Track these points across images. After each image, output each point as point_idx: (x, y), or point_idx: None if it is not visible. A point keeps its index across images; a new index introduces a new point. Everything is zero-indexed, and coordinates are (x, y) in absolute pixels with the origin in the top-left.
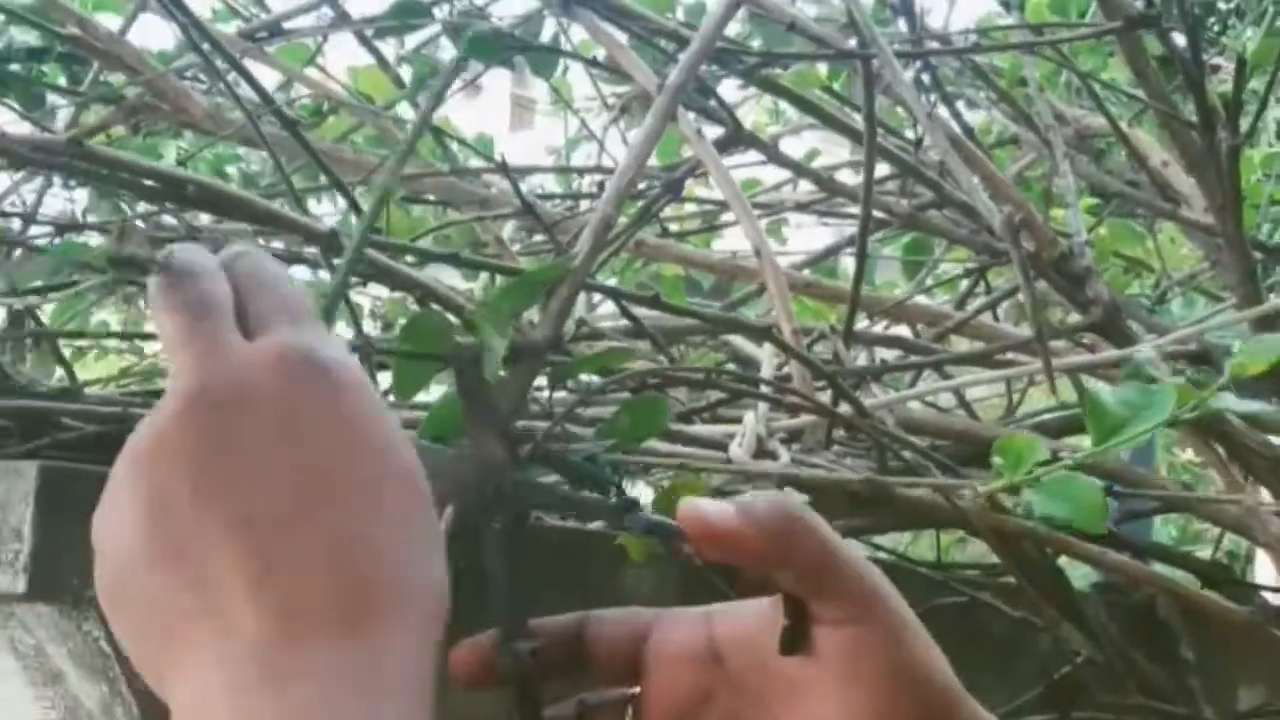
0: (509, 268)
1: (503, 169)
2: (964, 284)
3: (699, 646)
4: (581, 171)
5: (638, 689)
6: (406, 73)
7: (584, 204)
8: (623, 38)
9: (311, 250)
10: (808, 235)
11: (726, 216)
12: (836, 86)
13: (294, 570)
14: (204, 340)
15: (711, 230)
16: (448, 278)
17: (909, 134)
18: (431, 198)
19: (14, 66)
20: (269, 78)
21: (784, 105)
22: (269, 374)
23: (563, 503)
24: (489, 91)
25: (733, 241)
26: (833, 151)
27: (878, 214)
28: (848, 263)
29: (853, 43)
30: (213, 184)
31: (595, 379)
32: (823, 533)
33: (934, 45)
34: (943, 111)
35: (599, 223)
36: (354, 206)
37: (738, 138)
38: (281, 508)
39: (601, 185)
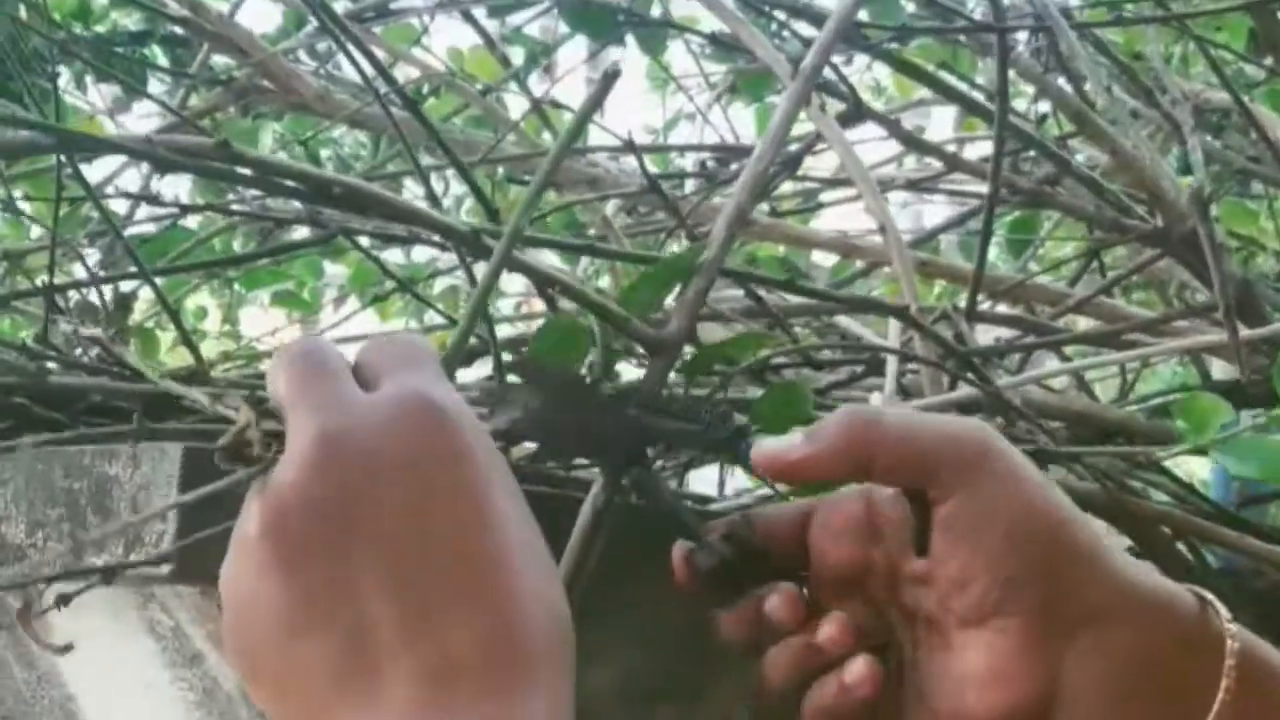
0: (639, 255)
1: (631, 147)
2: (1075, 263)
3: (858, 522)
4: (686, 150)
5: (806, 574)
6: (511, 53)
7: (688, 183)
8: (736, 13)
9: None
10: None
11: (826, 195)
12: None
13: (445, 630)
14: (320, 393)
15: (816, 209)
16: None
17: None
18: (527, 177)
19: (119, 49)
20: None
21: (885, 80)
22: (391, 424)
23: (679, 435)
24: (564, 72)
25: (828, 221)
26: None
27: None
28: (945, 241)
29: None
30: (357, 184)
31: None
32: (898, 423)
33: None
34: (1065, 85)
35: (734, 211)
36: (476, 191)
37: (859, 113)
38: (423, 563)
39: (703, 166)
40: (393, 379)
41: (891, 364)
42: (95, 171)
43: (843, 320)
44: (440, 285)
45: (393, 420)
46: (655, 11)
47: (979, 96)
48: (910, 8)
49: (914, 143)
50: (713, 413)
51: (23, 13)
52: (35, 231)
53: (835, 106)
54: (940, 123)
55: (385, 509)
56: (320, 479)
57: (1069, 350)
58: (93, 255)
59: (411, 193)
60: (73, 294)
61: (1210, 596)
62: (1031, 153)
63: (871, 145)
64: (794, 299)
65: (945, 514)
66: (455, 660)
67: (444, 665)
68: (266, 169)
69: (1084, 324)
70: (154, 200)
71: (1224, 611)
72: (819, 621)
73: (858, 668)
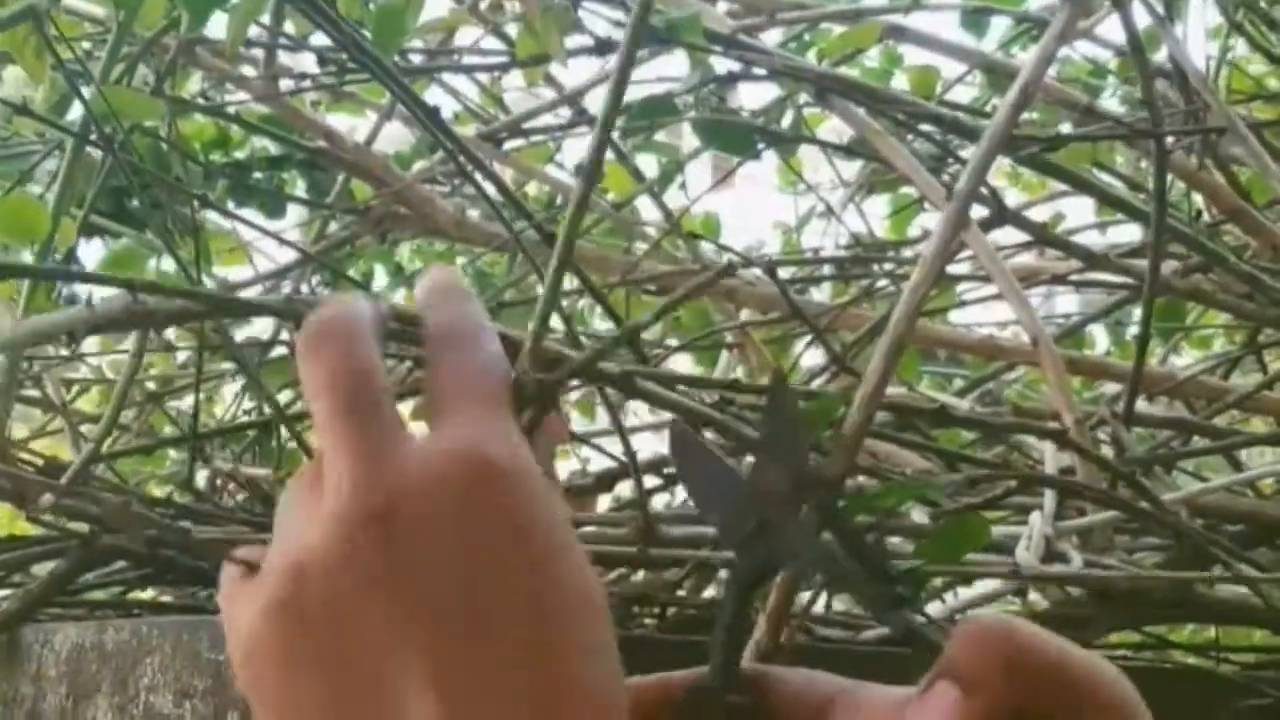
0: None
1: (770, 271)
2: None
3: None
4: (823, 262)
5: None
6: (643, 165)
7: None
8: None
9: None
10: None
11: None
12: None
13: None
14: (362, 440)
15: (959, 306)
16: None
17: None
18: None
19: (257, 175)
20: (505, 176)
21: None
22: (445, 482)
23: (835, 568)
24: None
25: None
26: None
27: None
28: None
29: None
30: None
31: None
32: (1045, 645)
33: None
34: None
35: (891, 344)
36: (612, 315)
37: (1001, 218)
38: (472, 650)
39: (841, 266)
40: (452, 422)
41: (1049, 495)
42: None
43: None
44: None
45: (447, 484)
46: (786, 122)
47: (1122, 188)
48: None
49: (1059, 245)
50: (883, 562)
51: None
52: (180, 357)
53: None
54: (1078, 205)
55: (432, 589)
56: (353, 548)
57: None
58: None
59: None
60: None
61: None
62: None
63: (1005, 231)
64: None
65: None
66: None
67: None
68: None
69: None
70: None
71: None
72: None
73: None
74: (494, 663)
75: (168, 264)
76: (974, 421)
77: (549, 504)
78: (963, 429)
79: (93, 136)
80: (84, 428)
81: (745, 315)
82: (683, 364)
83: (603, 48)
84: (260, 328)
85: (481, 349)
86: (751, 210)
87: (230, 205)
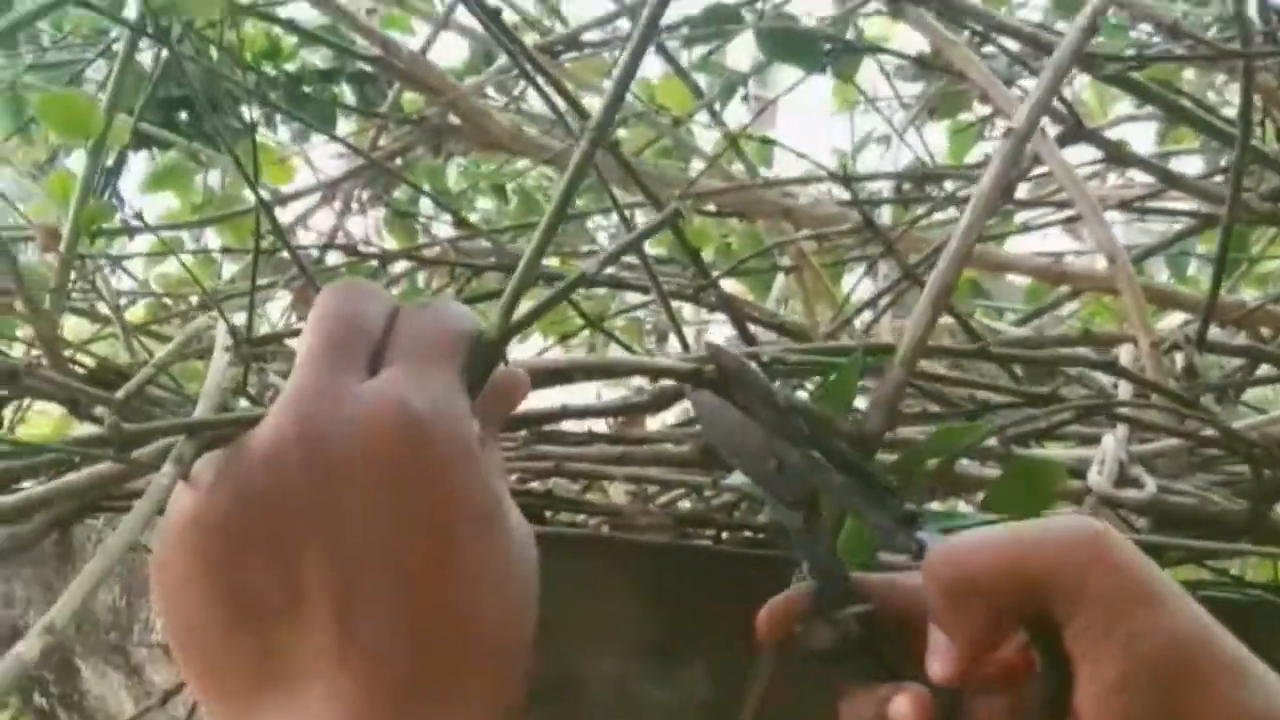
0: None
1: (839, 178)
2: None
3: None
4: (884, 178)
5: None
6: (703, 82)
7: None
8: (947, 33)
9: None
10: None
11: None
12: None
13: (376, 641)
14: (317, 371)
15: (1022, 231)
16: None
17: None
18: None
19: (307, 88)
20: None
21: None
22: (363, 423)
23: (847, 498)
24: (761, 103)
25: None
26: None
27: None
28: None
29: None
30: (603, 363)
31: None
32: (991, 551)
33: None
34: None
35: (938, 290)
36: (677, 233)
37: (1078, 133)
38: (369, 579)
39: (899, 190)
40: (395, 368)
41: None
42: (288, 213)
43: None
44: (622, 320)
45: (365, 425)
46: (850, 34)
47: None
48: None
49: (1137, 163)
50: (890, 490)
51: (213, 53)
52: (226, 272)
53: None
54: (1136, 137)
55: (339, 513)
56: (283, 460)
57: None
58: (284, 298)
59: (596, 223)
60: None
61: None
62: (1253, 166)
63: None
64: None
65: (1067, 636)
66: (387, 689)
67: (373, 693)
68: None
69: None
70: (350, 250)
71: None
72: None
73: None
74: (390, 592)
75: (214, 178)
76: (1026, 359)
77: (464, 458)
78: (1022, 351)
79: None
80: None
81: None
82: (735, 290)
83: None
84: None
85: (442, 311)
86: (800, 142)
87: (281, 118)
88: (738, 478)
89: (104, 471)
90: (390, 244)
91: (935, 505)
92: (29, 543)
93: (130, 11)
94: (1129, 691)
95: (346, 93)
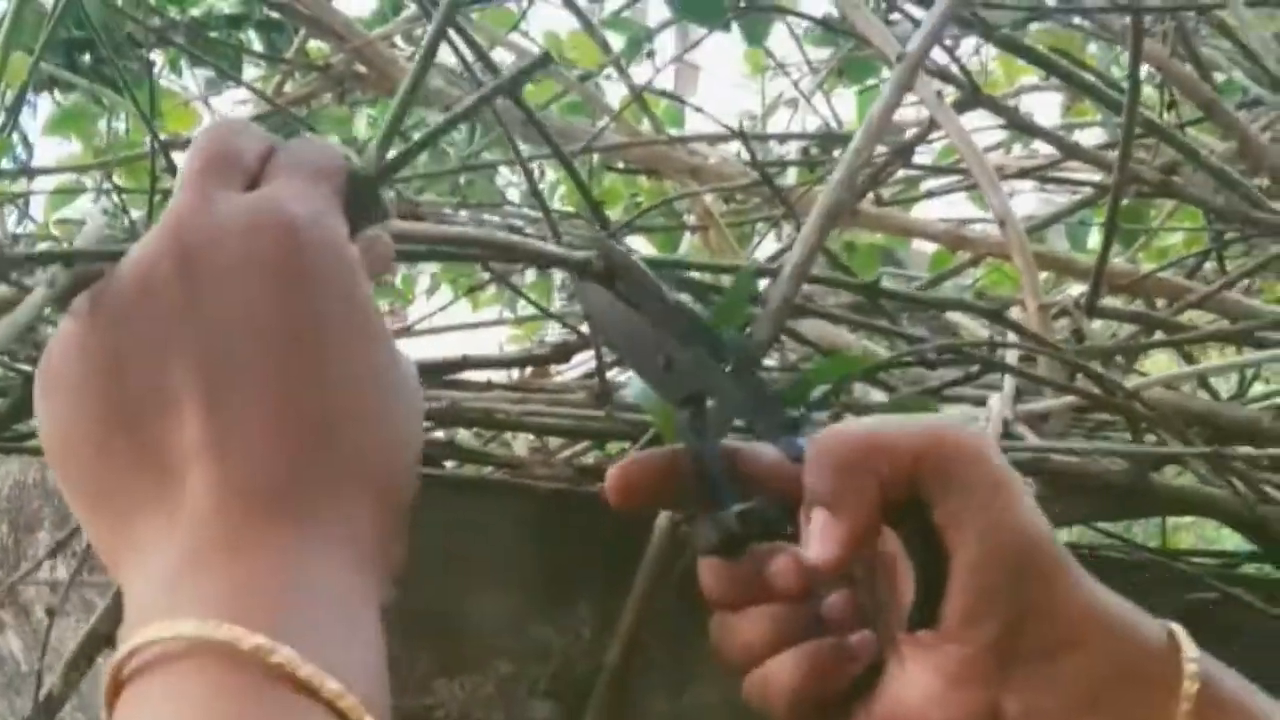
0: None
1: (739, 136)
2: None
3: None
4: (789, 138)
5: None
6: (610, 39)
7: (789, 171)
8: None
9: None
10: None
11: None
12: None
13: (250, 446)
14: (194, 189)
15: (924, 198)
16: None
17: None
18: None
19: (214, 34)
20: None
21: (991, 67)
22: (241, 233)
23: (734, 398)
24: (664, 59)
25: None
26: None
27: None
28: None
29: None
30: (491, 238)
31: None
32: (867, 432)
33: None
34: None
35: (826, 208)
36: (578, 183)
37: (974, 99)
38: (240, 376)
39: (805, 152)
40: (274, 185)
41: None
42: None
43: (956, 316)
44: (531, 275)
45: (243, 230)
46: None
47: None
48: None
49: (1032, 130)
50: (776, 396)
51: None
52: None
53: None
54: (1041, 110)
55: (212, 316)
56: (156, 272)
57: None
58: None
59: (504, 178)
60: None
61: (1178, 630)
62: (1149, 140)
63: (977, 134)
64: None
65: (935, 516)
66: (258, 478)
67: (245, 482)
68: (431, 240)
69: (1200, 318)
70: None
71: (1189, 649)
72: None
73: (861, 640)
74: (262, 389)
75: (118, 123)
76: (912, 298)
77: (343, 271)
78: (908, 303)
79: None
80: None
81: (710, 197)
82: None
83: None
84: None
85: (320, 144)
86: (711, 105)
87: (188, 65)
88: (633, 388)
89: None
90: None
91: None
92: None
93: None
94: (987, 572)
95: (253, 39)
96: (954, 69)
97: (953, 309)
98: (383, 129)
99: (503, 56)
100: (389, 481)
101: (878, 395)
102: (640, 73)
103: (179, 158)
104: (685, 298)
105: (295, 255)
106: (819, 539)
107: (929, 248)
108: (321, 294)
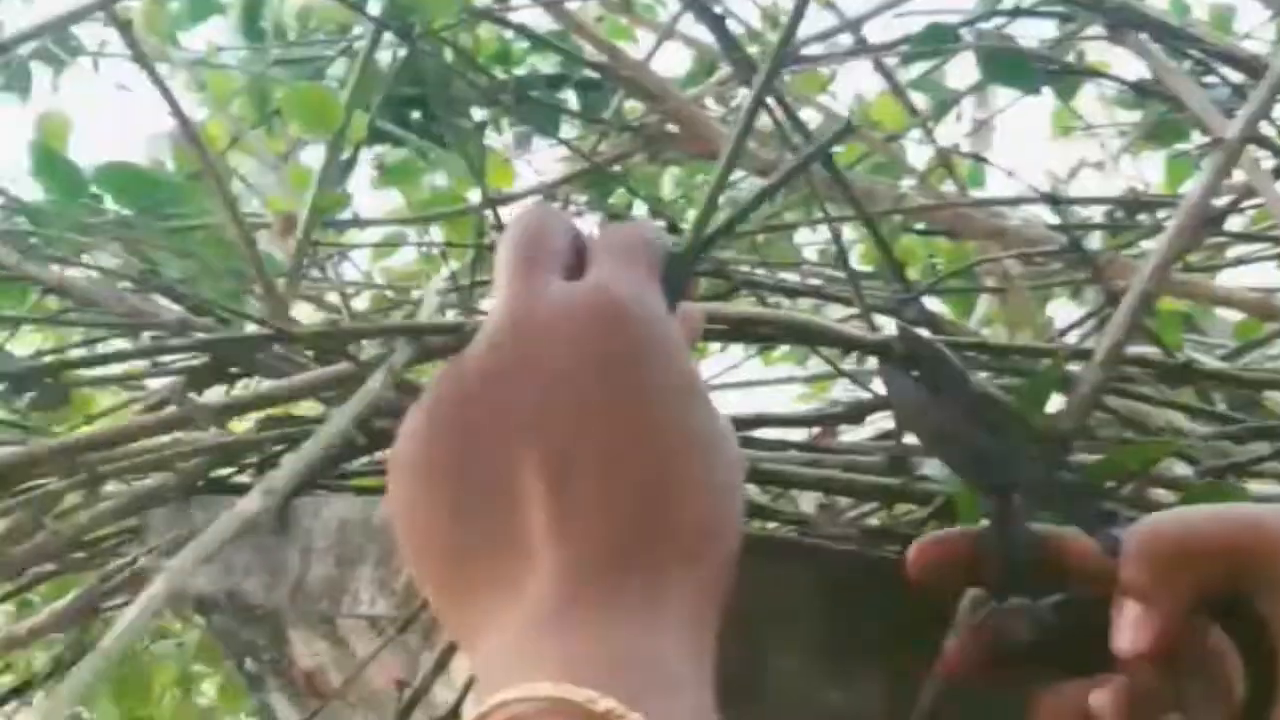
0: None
1: (1050, 200)
2: None
3: None
4: (1095, 202)
5: None
6: (920, 102)
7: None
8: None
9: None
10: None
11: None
12: None
13: (586, 514)
14: (520, 279)
15: (1234, 265)
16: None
17: None
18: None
19: (534, 93)
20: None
21: None
22: (573, 317)
23: (1048, 491)
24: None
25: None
26: None
27: None
28: None
29: None
30: (792, 320)
31: None
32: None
33: None
34: None
35: (1139, 294)
36: (882, 246)
37: None
38: (578, 457)
39: (1111, 216)
40: (597, 270)
41: None
42: (506, 214)
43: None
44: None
45: (575, 313)
46: (1070, 58)
47: None
48: None
49: None
50: (1083, 488)
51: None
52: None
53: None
54: None
55: (550, 401)
56: (495, 359)
57: None
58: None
59: (803, 236)
60: None
61: None
62: None
63: None
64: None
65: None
66: (597, 555)
67: (585, 559)
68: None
69: None
70: None
71: None
72: None
73: None
74: (601, 465)
75: (440, 179)
76: (1233, 378)
77: (668, 345)
78: (1216, 381)
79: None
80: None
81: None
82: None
83: None
84: None
85: (638, 224)
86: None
87: (507, 121)
88: (933, 467)
89: (327, 373)
90: None
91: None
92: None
93: (374, 9)
94: None
95: (571, 98)
96: (1274, 136)
97: (1273, 388)
98: (699, 213)
99: (809, 115)
100: (716, 543)
101: (1181, 469)
102: (944, 133)
103: (503, 213)
104: (983, 375)
105: (624, 335)
106: (1130, 629)
107: (1231, 313)
108: (649, 369)
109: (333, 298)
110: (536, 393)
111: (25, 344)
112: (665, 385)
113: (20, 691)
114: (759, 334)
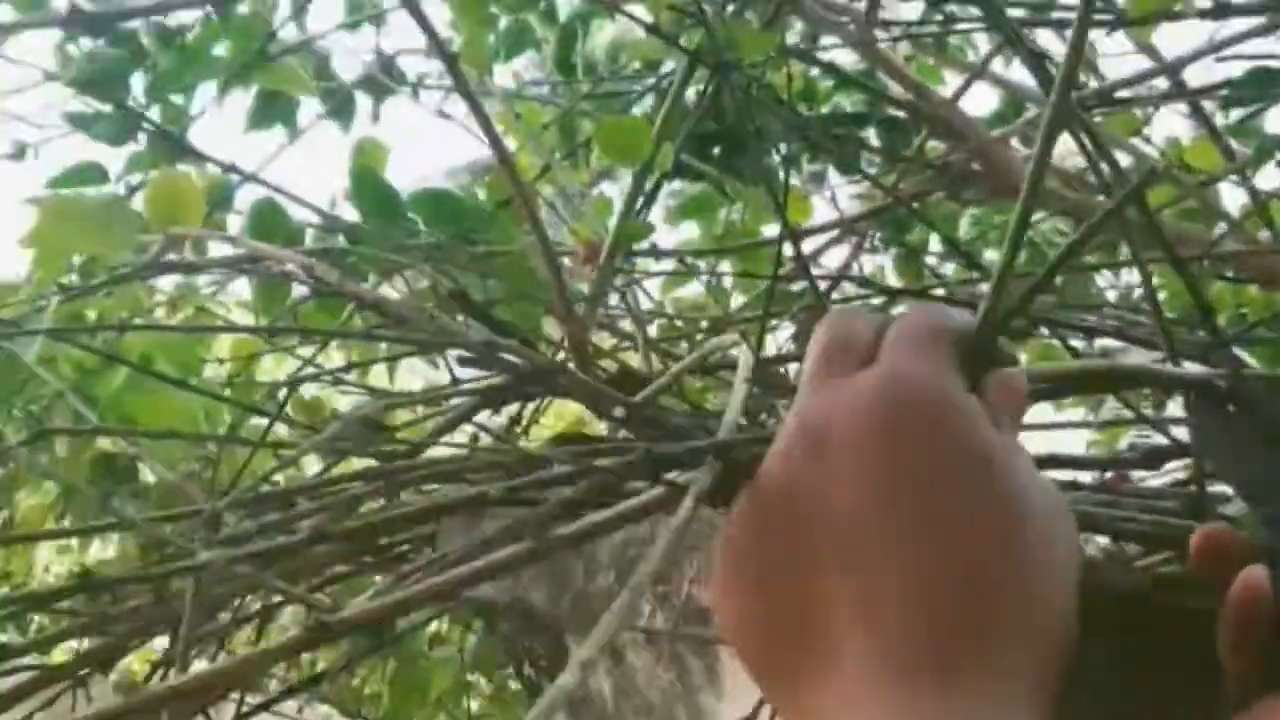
0: None
1: None
2: None
3: None
4: None
5: None
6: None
7: None
8: None
9: None
10: None
11: None
12: None
13: (890, 619)
14: (815, 378)
15: None
16: None
17: None
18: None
19: (837, 131)
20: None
21: None
22: (853, 406)
23: None
24: None
25: None
26: None
27: None
28: None
29: None
30: (1115, 368)
31: None
32: None
33: None
34: None
35: None
36: (1193, 291)
37: None
38: (878, 553)
39: None
40: (888, 358)
41: None
42: (802, 248)
43: None
44: None
45: (856, 407)
46: None
47: None
48: None
49: None
50: None
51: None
52: (734, 302)
53: None
54: None
55: (846, 501)
56: (785, 464)
57: None
58: (787, 328)
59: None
60: None
61: None
62: None
63: None
64: None
65: None
66: (904, 645)
67: (893, 651)
68: None
69: None
70: (862, 283)
71: None
72: None
73: None
74: (893, 561)
75: (734, 213)
76: None
77: (954, 417)
78: None
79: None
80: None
81: None
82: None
83: (1219, 10)
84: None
85: (931, 307)
86: None
87: (806, 158)
88: (1237, 507)
89: (639, 501)
90: (897, 282)
91: None
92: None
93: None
94: None
95: (872, 136)
96: None
97: None
98: (991, 288)
99: (1120, 158)
100: (1042, 623)
101: None
102: (1263, 179)
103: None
104: None
105: (905, 412)
106: None
107: None
108: (932, 449)
109: (626, 324)
110: (827, 492)
111: (332, 359)
112: (954, 465)
113: (310, 684)
114: (1090, 387)
